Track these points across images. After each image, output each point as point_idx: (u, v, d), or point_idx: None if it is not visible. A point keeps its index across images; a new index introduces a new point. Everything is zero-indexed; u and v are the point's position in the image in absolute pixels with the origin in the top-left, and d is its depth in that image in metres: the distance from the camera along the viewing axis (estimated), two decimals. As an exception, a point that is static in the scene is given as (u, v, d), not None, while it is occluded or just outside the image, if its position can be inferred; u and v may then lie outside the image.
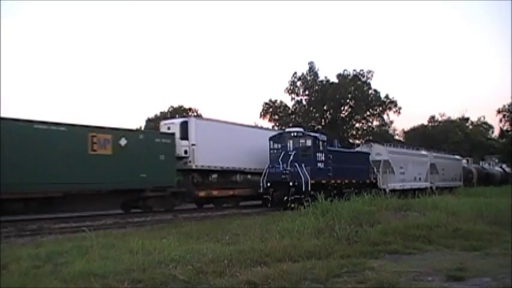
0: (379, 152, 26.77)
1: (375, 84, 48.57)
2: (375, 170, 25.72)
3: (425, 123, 65.12)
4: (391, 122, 51.54)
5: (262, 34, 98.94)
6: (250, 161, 23.16)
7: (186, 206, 21.70)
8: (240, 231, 10.50)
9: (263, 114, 48.95)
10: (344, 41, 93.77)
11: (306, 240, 8.69)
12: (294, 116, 47.91)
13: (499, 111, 54.20)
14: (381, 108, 48.55)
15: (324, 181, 20.95)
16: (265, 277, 5.93)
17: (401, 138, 57.49)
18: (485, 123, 69.38)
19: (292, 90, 47.74)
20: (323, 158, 21.33)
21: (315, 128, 40.38)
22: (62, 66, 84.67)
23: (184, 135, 20.68)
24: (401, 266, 7.03)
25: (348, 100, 47.32)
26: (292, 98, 48.13)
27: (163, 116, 56.39)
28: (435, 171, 32.71)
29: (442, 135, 56.08)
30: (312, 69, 47.35)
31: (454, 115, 66.70)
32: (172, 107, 57.24)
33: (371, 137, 45.34)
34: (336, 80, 47.33)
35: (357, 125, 50.09)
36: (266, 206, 20.59)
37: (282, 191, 20.01)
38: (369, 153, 26.30)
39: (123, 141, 17.54)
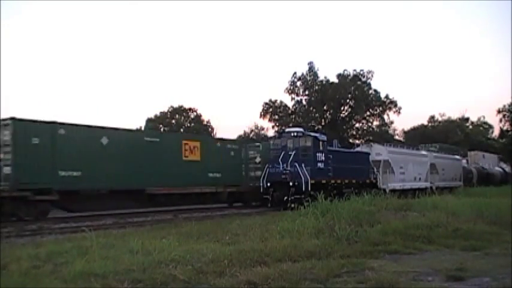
0: (379, 152, 26.76)
1: (375, 84, 48.68)
2: (375, 170, 25.71)
3: (425, 123, 65.30)
4: (391, 122, 51.62)
5: (262, 34, 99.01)
6: None
7: (185, 206, 21.63)
8: (240, 231, 10.49)
9: (263, 114, 49.03)
10: (344, 41, 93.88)
11: (306, 240, 8.68)
12: (294, 116, 47.93)
13: (499, 111, 54.20)
14: (381, 108, 48.58)
15: (324, 181, 20.94)
16: (265, 277, 5.93)
17: (401, 138, 57.51)
18: (485, 123, 69.60)
19: (292, 90, 47.79)
20: (323, 158, 21.32)
21: (315, 128, 40.37)
22: (62, 66, 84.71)
23: None
24: (401, 266, 7.03)
25: (348, 100, 47.36)
26: (292, 98, 48.23)
27: (164, 116, 56.48)
28: (435, 171, 32.70)
29: (442, 135, 56.08)
30: (311, 69, 47.40)
31: (454, 115, 66.96)
32: (172, 107, 57.28)
33: (371, 137, 45.34)
34: (336, 80, 47.37)
35: (357, 125, 50.14)
36: (266, 206, 20.60)
37: (282, 191, 20.02)
38: (369, 153, 26.29)
39: None
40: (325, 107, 47.55)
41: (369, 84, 47.67)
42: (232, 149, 23.12)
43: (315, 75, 47.21)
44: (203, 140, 22.69)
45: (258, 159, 24.10)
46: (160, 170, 18.90)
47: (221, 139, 24.63)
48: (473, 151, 48.39)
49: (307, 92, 47.60)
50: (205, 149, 21.43)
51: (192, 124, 55.70)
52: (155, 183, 18.69)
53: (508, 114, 53.13)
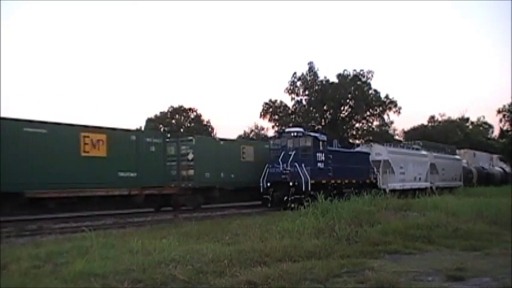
0: (379, 152, 26.75)
1: (375, 84, 48.61)
2: (375, 170, 25.70)
3: (425, 123, 65.30)
4: (391, 122, 51.60)
5: (262, 34, 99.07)
6: None
7: (186, 206, 21.63)
8: (240, 231, 10.48)
9: (263, 114, 48.99)
10: (344, 41, 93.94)
11: (306, 240, 8.69)
12: (294, 116, 47.87)
13: (499, 111, 54.01)
14: (381, 108, 48.52)
15: (324, 181, 20.94)
16: (265, 277, 5.93)
17: (401, 138, 57.48)
18: (485, 123, 69.67)
19: (292, 90, 47.71)
20: (323, 158, 21.32)
21: (315, 128, 40.33)
22: (62, 66, 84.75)
23: None
24: (401, 266, 7.03)
25: (348, 100, 47.29)
26: (292, 98, 48.15)
27: (164, 116, 56.51)
28: (435, 171, 32.69)
29: (442, 135, 56.06)
30: (311, 69, 47.34)
31: (454, 115, 67.02)
32: (172, 107, 57.32)
33: (371, 137, 45.30)
34: (336, 80, 47.32)
35: (357, 125, 50.07)
36: (266, 206, 20.60)
37: (282, 191, 20.02)
38: (369, 153, 26.27)
39: None
40: (325, 107, 47.49)
41: (369, 84, 47.63)
42: (154, 144, 19.48)
43: (315, 75, 47.16)
44: (111, 133, 18.09)
45: (190, 156, 21.24)
46: (47, 169, 15.50)
47: (137, 131, 20.74)
48: (463, 149, 47.75)
49: (307, 92, 47.53)
50: (114, 143, 17.77)
51: (192, 124, 55.74)
52: (39, 185, 15.34)
53: (508, 114, 53.00)
